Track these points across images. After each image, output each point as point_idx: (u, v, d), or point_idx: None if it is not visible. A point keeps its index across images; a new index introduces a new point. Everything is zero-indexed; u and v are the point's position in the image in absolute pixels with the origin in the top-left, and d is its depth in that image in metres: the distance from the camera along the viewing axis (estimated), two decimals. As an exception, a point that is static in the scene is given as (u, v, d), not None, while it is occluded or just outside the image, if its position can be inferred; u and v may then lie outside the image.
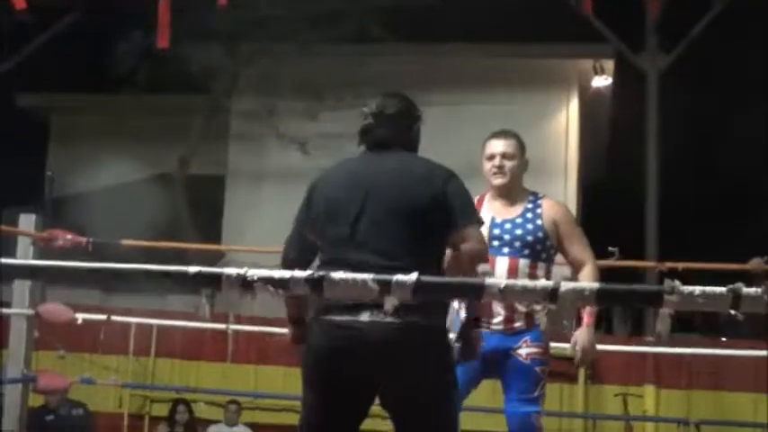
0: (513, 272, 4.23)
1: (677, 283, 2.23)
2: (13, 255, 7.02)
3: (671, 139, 15.03)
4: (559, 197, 13.26)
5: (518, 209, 4.34)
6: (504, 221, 4.34)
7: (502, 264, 4.24)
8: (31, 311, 7.18)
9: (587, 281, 4.19)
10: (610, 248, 6.94)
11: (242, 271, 2.26)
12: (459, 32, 13.56)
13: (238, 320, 9.67)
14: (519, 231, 4.28)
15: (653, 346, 8.89)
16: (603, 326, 13.77)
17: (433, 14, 13.68)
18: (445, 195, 3.43)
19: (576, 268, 4.35)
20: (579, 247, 4.36)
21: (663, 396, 9.72)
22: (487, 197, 4.47)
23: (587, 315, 4.30)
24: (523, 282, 2.37)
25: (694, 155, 17.87)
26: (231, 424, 9.89)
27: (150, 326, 9.91)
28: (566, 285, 2.23)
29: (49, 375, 7.86)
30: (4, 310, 7.29)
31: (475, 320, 3.72)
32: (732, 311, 2.20)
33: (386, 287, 2.27)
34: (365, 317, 3.25)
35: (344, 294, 2.52)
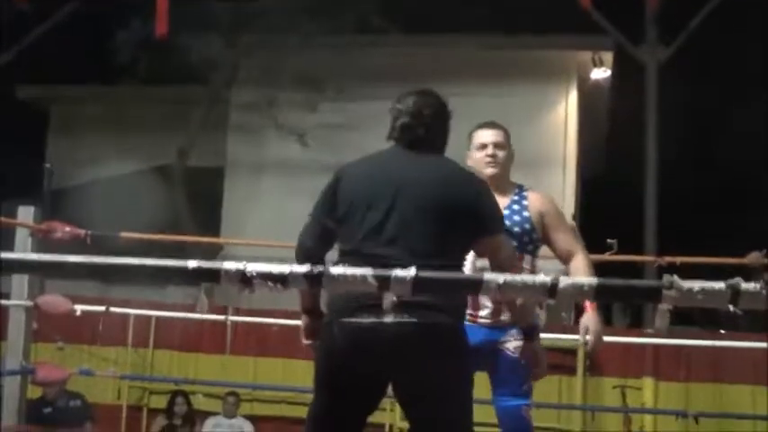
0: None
1: (676, 278, 2.23)
2: (11, 247, 7.02)
3: (670, 132, 15.04)
4: (558, 189, 13.36)
5: (505, 200, 4.28)
6: None
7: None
8: (29, 303, 7.18)
9: (582, 270, 4.16)
10: (608, 241, 6.95)
11: (241, 266, 2.25)
12: (459, 24, 13.56)
13: (237, 312, 9.67)
14: (506, 223, 4.25)
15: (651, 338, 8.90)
16: (602, 317, 13.76)
17: (432, 6, 13.68)
18: (477, 201, 3.49)
19: (565, 259, 4.29)
20: (567, 238, 4.31)
21: (661, 388, 9.72)
22: None
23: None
24: (522, 277, 2.36)
25: (694, 147, 17.87)
26: (230, 416, 9.89)
27: (149, 317, 9.92)
28: (565, 281, 2.23)
29: (47, 367, 7.87)
30: (3, 302, 7.28)
31: (531, 331, 3.96)
32: (731, 308, 2.20)
33: (385, 282, 2.26)
34: (379, 316, 3.24)
35: (344, 289, 2.52)
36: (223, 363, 10.41)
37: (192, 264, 2.28)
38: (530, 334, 4.00)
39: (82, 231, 7.11)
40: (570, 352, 9.60)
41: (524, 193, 4.36)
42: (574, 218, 13.61)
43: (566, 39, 13.96)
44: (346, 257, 3.40)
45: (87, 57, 16.18)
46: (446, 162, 3.61)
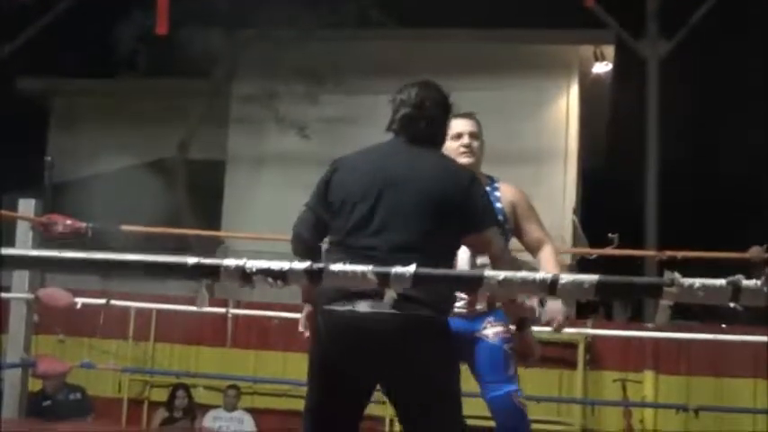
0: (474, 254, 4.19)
1: (677, 275, 2.23)
2: (12, 240, 7.02)
3: (671, 126, 15.03)
4: (559, 183, 13.38)
5: None
6: None
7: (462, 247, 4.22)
8: (30, 296, 7.17)
9: (551, 261, 4.20)
10: (609, 235, 6.96)
11: (241, 262, 2.25)
12: (460, 17, 13.53)
13: (238, 305, 9.66)
14: None
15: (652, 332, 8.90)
16: (603, 311, 13.77)
17: (433, -1, 13.65)
18: (467, 197, 3.48)
19: (533, 249, 4.31)
20: (537, 228, 4.33)
21: (662, 382, 9.72)
22: None
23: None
24: (522, 274, 2.36)
25: (695, 141, 17.85)
26: (230, 409, 9.90)
27: (150, 310, 9.92)
28: (565, 278, 2.23)
29: (48, 360, 7.87)
30: (4, 295, 7.28)
31: (522, 321, 3.88)
32: (732, 304, 2.20)
33: (385, 279, 2.26)
34: (366, 307, 3.25)
35: (344, 284, 2.51)
36: (224, 356, 10.42)
37: (191, 260, 2.28)
38: (522, 324, 3.96)
39: (83, 224, 7.11)
40: (570, 345, 9.60)
41: (496, 185, 4.38)
42: (575, 212, 13.62)
43: (567, 33, 13.94)
44: (333, 248, 3.44)
45: (88, 50, 16.15)
46: (441, 157, 3.64)
